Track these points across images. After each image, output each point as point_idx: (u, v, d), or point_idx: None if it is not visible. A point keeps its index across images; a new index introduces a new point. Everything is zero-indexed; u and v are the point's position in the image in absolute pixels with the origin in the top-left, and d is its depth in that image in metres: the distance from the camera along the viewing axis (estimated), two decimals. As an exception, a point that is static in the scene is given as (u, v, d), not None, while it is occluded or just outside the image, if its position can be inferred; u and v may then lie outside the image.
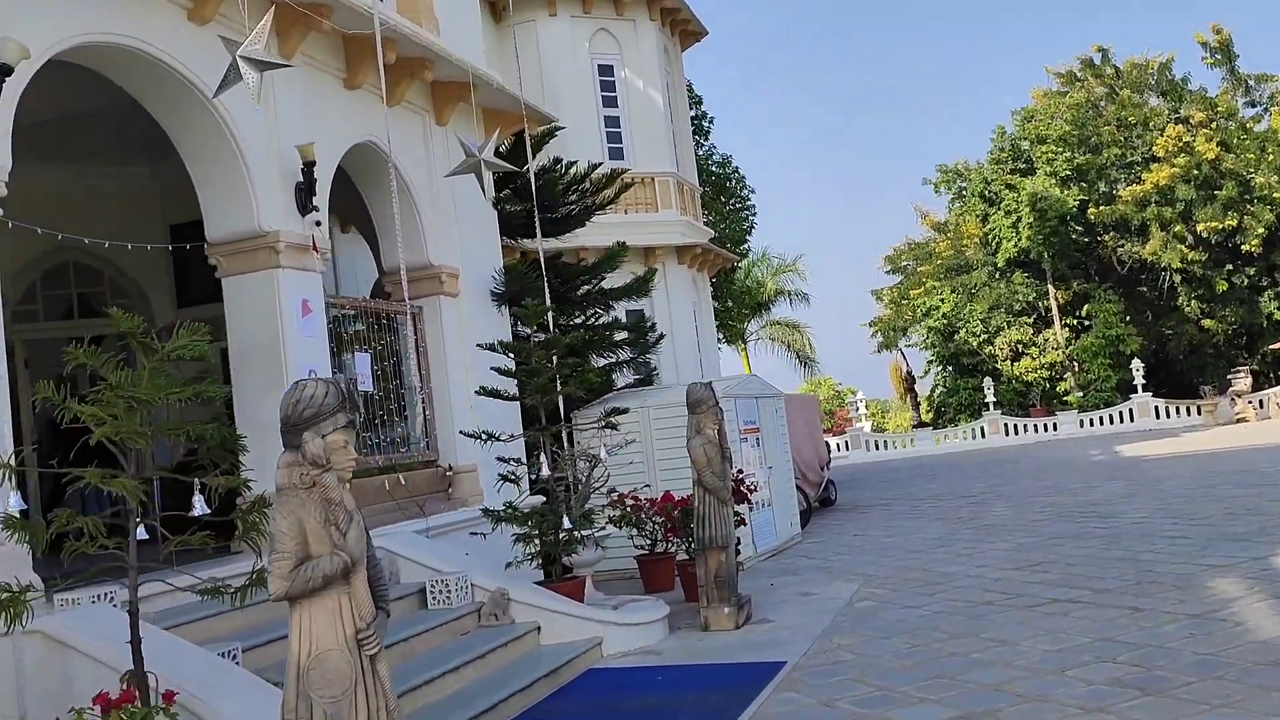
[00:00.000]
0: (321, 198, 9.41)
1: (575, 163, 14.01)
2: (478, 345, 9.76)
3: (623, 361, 13.97)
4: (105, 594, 6.10)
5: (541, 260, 11.40)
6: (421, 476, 10.58)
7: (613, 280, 14.04)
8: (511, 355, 8.89)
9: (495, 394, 9.12)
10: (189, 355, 4.77)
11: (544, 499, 10.73)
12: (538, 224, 11.13)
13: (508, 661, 7.70)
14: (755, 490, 10.10)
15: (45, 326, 12.62)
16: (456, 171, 10.48)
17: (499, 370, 9.12)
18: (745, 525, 9.94)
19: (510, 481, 9.13)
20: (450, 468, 10.97)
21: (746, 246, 31.27)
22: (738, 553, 9.63)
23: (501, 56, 16.99)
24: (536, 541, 8.74)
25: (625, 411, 10.21)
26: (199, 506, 4.87)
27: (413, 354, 11.06)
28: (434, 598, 8.21)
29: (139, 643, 4.79)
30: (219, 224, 8.84)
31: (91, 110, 10.03)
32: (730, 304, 31.19)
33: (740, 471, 10.06)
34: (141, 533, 4.83)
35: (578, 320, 13.59)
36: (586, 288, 13.59)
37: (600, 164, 14.21)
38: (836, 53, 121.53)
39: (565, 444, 10.91)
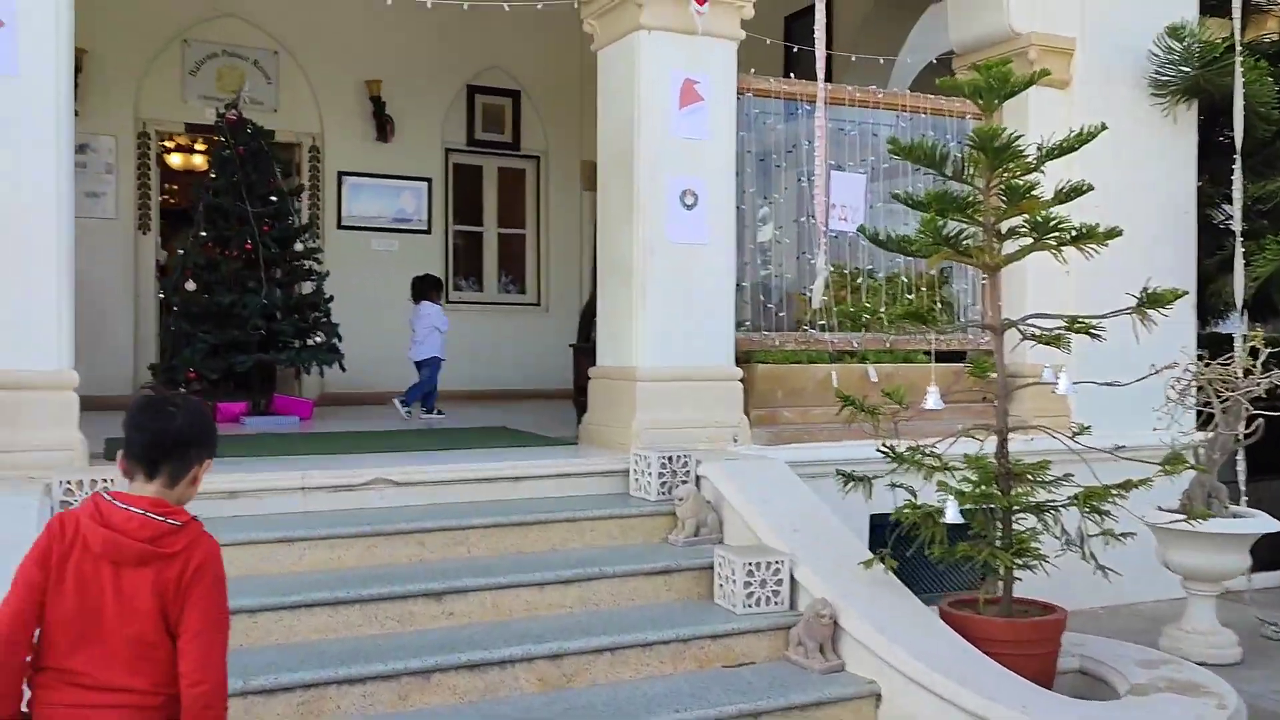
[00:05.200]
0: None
1: None
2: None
3: None
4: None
5: (1237, 20, 6.15)
6: (930, 375, 6.57)
7: None
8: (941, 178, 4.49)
9: (890, 243, 4.72)
10: None
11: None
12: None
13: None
14: None
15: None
16: None
17: (909, 205, 4.77)
18: None
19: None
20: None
21: None
22: None
23: None
24: (931, 533, 4.42)
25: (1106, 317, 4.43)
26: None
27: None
28: (720, 588, 4.67)
29: None
30: (575, -32, 6.07)
31: None
32: None
33: None
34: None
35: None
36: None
37: None
38: None
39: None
